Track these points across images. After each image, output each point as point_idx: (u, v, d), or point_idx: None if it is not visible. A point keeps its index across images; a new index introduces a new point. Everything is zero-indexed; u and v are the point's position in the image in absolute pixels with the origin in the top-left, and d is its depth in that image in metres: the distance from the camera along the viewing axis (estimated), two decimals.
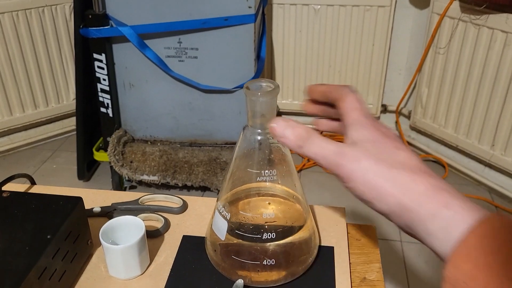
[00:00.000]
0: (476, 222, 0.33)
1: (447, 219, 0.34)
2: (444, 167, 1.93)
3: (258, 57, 1.71)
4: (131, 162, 1.72)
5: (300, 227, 0.62)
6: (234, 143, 1.87)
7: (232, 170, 0.60)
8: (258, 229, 0.59)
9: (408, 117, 2.05)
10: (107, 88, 1.67)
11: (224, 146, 1.76)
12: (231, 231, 0.60)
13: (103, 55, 1.60)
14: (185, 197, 0.77)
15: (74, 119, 2.05)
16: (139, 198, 0.77)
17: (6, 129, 2.04)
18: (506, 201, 1.76)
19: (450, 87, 1.79)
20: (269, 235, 0.59)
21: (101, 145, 1.85)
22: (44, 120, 2.14)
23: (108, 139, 1.71)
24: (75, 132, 1.98)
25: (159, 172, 1.71)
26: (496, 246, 0.31)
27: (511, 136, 1.65)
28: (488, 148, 1.73)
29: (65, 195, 0.63)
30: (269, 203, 0.60)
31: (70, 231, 0.60)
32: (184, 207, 0.75)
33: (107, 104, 1.70)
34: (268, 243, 0.59)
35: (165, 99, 1.71)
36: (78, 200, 0.62)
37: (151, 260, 0.66)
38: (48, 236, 0.56)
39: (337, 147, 0.40)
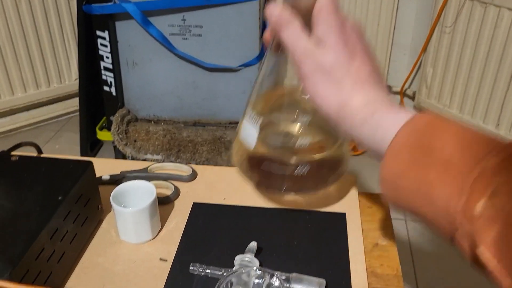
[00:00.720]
0: (403, 124, 0.37)
1: (375, 124, 0.40)
2: None
3: (263, 35, 1.69)
4: (135, 141, 1.71)
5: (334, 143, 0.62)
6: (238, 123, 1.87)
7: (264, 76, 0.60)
8: (290, 137, 0.60)
9: (412, 98, 2.03)
10: (110, 66, 1.65)
11: (228, 126, 1.75)
12: (261, 139, 0.59)
13: (106, 32, 1.58)
14: (194, 166, 0.77)
15: (76, 100, 2.04)
16: (148, 166, 0.76)
17: (8, 109, 2.03)
18: None
19: (456, 66, 1.78)
20: (301, 144, 0.59)
21: (104, 124, 1.84)
22: (46, 100, 2.12)
23: (112, 118, 1.70)
24: (77, 113, 1.97)
25: (163, 151, 1.70)
26: (421, 143, 0.35)
27: None
28: (493, 128, 1.72)
29: (75, 159, 0.62)
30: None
31: (81, 194, 0.59)
32: (193, 175, 0.75)
33: (110, 82, 1.68)
34: (300, 154, 0.59)
35: (169, 77, 1.69)
36: (88, 164, 0.61)
37: (162, 226, 0.65)
38: (59, 198, 0.55)
39: (307, 44, 0.44)
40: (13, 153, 0.66)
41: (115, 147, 1.74)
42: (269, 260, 0.59)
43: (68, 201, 0.56)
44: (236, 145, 0.64)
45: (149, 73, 1.69)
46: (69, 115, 2.24)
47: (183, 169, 0.76)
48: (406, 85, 2.05)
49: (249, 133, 0.60)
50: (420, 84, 1.95)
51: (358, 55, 0.44)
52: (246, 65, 1.64)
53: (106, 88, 1.70)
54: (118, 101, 1.72)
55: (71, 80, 2.14)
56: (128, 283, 0.56)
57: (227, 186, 0.73)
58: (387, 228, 0.67)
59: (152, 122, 1.77)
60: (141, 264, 0.59)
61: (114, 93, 1.70)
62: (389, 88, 2.08)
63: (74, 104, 2.18)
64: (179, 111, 1.76)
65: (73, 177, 0.58)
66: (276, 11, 0.46)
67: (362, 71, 0.43)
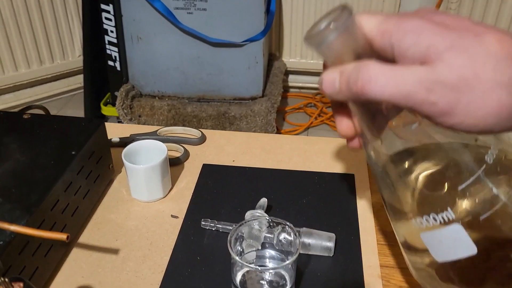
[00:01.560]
0: None
1: None
2: None
3: (268, 10, 1.68)
4: (139, 116, 1.71)
5: None
6: (243, 99, 1.87)
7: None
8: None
9: None
10: (115, 41, 1.64)
11: (233, 102, 1.75)
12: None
13: (111, 6, 1.57)
14: (203, 130, 0.77)
15: (80, 77, 2.03)
16: (158, 129, 0.77)
17: (11, 85, 2.03)
18: None
19: None
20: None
21: (108, 100, 1.84)
22: (50, 77, 2.12)
23: (116, 93, 1.70)
24: (81, 90, 1.97)
25: (167, 126, 1.70)
26: None
27: None
28: None
29: (87, 117, 0.63)
30: None
31: (93, 151, 0.60)
32: (202, 138, 0.75)
33: (115, 57, 1.68)
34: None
35: (173, 53, 1.69)
36: (100, 122, 0.62)
37: (172, 186, 0.66)
38: (73, 152, 0.56)
39: (413, 74, 0.30)
40: None
41: (119, 122, 1.75)
42: (279, 217, 0.59)
43: (81, 157, 0.56)
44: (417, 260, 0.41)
45: (154, 48, 1.68)
46: (73, 92, 2.24)
47: (193, 133, 0.76)
48: None
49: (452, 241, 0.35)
50: None
51: (480, 30, 0.30)
52: (251, 40, 1.64)
53: (110, 62, 1.70)
54: (122, 76, 1.72)
55: (74, 56, 2.13)
56: (140, 238, 0.57)
57: (235, 149, 0.74)
58: None
59: (157, 98, 1.78)
60: (153, 220, 0.60)
61: (118, 68, 1.70)
62: None
63: (78, 81, 2.18)
64: (184, 87, 1.76)
65: (85, 134, 0.59)
66: (335, 74, 0.33)
67: (506, 41, 0.29)
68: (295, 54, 2.10)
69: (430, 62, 0.29)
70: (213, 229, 0.58)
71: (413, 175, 0.37)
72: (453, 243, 0.34)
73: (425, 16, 0.31)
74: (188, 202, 0.63)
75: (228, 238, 0.45)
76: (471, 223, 0.33)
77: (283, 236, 0.50)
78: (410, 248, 0.40)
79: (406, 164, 0.37)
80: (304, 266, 0.53)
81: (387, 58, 0.32)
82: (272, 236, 0.51)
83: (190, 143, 0.74)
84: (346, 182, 0.66)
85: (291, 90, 2.20)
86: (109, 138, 0.73)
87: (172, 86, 1.76)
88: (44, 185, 0.50)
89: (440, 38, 0.29)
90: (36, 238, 0.47)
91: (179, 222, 0.60)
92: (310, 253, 0.54)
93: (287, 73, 2.16)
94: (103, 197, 0.64)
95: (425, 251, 0.37)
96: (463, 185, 0.34)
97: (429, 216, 0.35)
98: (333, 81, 0.34)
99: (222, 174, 0.68)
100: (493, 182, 0.33)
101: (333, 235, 0.55)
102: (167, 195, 0.64)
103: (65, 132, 0.59)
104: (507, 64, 0.28)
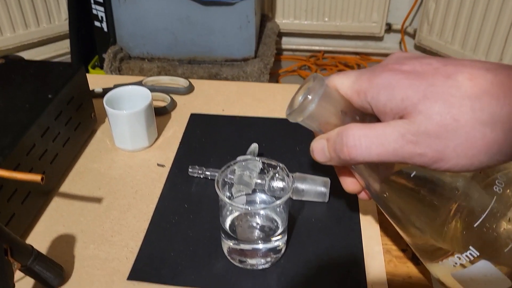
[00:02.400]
0: None
1: None
2: None
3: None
4: None
5: None
6: (235, 60, 1.82)
7: None
8: None
9: (413, 36, 1.98)
10: (101, 0, 1.58)
11: (224, 63, 1.70)
12: None
13: None
14: (191, 80, 0.73)
15: (67, 41, 1.97)
16: (142, 79, 0.73)
17: None
18: None
19: (459, 0, 1.71)
20: None
21: (96, 63, 1.79)
22: (36, 41, 2.05)
23: (104, 55, 1.65)
24: (68, 55, 1.90)
25: None
26: None
27: None
28: None
29: (65, 62, 0.59)
30: None
31: (72, 97, 0.56)
32: (190, 88, 0.71)
33: (101, 17, 1.62)
34: None
35: (162, 13, 1.62)
36: (79, 66, 0.58)
37: (159, 135, 0.62)
38: (49, 96, 0.52)
39: (395, 130, 0.29)
40: None
41: None
42: None
43: (58, 100, 0.53)
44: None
45: (141, 8, 1.61)
46: (60, 58, 2.17)
47: (180, 82, 0.73)
48: (407, 23, 1.99)
49: (483, 277, 0.34)
50: (421, 21, 1.89)
51: (443, 79, 0.29)
52: None
53: (97, 23, 1.63)
54: (110, 37, 1.66)
55: (60, 20, 2.06)
56: (124, 187, 0.54)
57: (225, 98, 0.70)
58: None
59: (146, 60, 1.72)
60: (138, 169, 0.57)
61: (105, 29, 1.64)
62: (389, 26, 2.02)
63: (65, 46, 2.11)
64: (174, 48, 1.70)
65: (63, 78, 0.55)
66: (323, 141, 0.34)
67: (478, 79, 0.29)
68: (289, 15, 2.03)
69: (408, 115, 0.29)
70: (201, 176, 0.55)
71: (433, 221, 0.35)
72: (485, 278, 0.33)
73: (395, 67, 0.31)
74: (175, 151, 0.60)
75: (216, 179, 0.42)
76: (496, 257, 0.33)
77: (275, 181, 0.47)
78: (446, 286, 0.39)
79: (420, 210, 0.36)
80: (297, 212, 0.51)
81: (369, 112, 0.33)
82: (263, 182, 0.48)
83: (177, 93, 0.70)
84: None
85: (285, 53, 2.14)
86: (92, 88, 0.69)
87: (162, 48, 1.70)
88: (19, 128, 0.47)
89: (412, 90, 0.29)
90: (11, 182, 0.44)
91: (165, 171, 0.57)
92: (304, 199, 0.52)
93: (280, 35, 2.10)
94: (86, 147, 0.61)
95: None
96: (478, 222, 0.32)
97: (454, 257, 0.34)
98: (322, 149, 0.34)
99: (210, 123, 0.65)
100: (506, 210, 0.32)
101: (328, 179, 0.52)
102: (152, 144, 0.61)
103: (42, 76, 0.55)
104: (483, 101, 0.28)
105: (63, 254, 0.46)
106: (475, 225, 0.32)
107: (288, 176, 0.44)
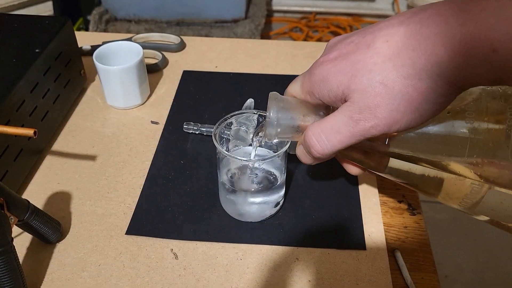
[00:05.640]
0: None
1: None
2: None
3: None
4: None
5: None
6: (224, 21, 1.78)
7: None
8: None
9: None
10: None
11: (214, 25, 1.66)
12: None
13: None
14: (182, 37, 0.71)
15: (49, 4, 1.90)
16: (132, 36, 0.70)
17: None
18: None
19: None
20: None
21: (81, 26, 1.73)
22: (17, 3, 1.98)
23: (89, 17, 1.60)
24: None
25: None
26: None
27: None
28: None
29: (52, 16, 0.56)
30: None
31: (60, 52, 0.54)
32: (182, 45, 0.70)
33: None
34: None
35: None
36: (66, 20, 0.56)
37: (151, 93, 0.61)
38: (37, 50, 0.50)
39: (343, 113, 0.31)
40: None
41: None
42: None
43: (46, 55, 0.51)
44: None
45: None
46: None
47: (171, 39, 0.71)
48: None
49: None
50: None
51: (363, 51, 0.30)
52: None
53: None
54: None
55: None
56: (118, 144, 0.53)
57: (218, 55, 0.68)
58: None
59: (133, 22, 1.67)
60: (132, 127, 0.56)
61: None
62: None
63: (47, 8, 2.04)
64: (161, 10, 1.66)
65: (50, 32, 0.53)
66: (301, 147, 0.35)
67: (388, 49, 0.29)
68: None
69: (347, 97, 0.31)
70: (197, 132, 0.54)
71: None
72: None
73: (324, 59, 0.33)
74: (169, 108, 0.59)
75: (213, 132, 0.41)
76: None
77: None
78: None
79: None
80: (295, 167, 0.51)
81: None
82: (261, 137, 0.47)
83: (169, 50, 0.69)
84: None
85: (276, 14, 2.10)
86: (80, 46, 0.67)
87: (149, 9, 1.65)
88: (6, 83, 0.45)
89: (342, 74, 0.31)
90: (2, 137, 0.43)
91: (159, 128, 0.56)
92: None
93: (271, 14, 2.05)
94: (76, 106, 0.59)
95: None
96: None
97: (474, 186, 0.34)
98: (303, 154, 0.36)
99: (204, 80, 0.63)
100: None
101: None
102: (145, 102, 0.60)
103: (28, 30, 0.53)
104: (402, 57, 0.28)
105: (59, 211, 0.46)
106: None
107: None
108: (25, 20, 0.55)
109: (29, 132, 0.39)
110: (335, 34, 1.98)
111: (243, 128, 0.48)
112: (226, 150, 0.46)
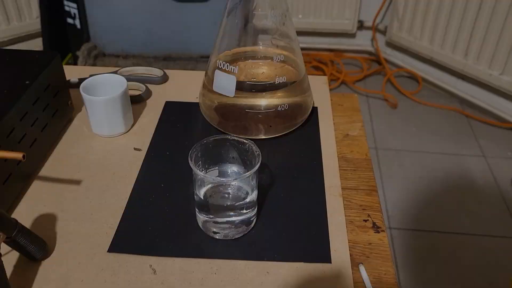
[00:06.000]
0: None
1: None
2: (418, 81, 1.96)
3: None
4: None
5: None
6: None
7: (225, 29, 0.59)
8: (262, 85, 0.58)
9: (384, 32, 2.04)
10: None
11: (200, 60, 1.72)
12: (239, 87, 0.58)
13: None
14: (165, 70, 0.76)
15: (39, 40, 1.95)
16: (118, 69, 0.75)
17: None
18: (477, 110, 1.81)
19: None
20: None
21: (70, 61, 1.78)
22: (7, 40, 2.03)
23: (78, 53, 1.65)
24: None
25: None
26: None
27: (483, 44, 1.67)
28: (462, 58, 1.76)
29: (40, 50, 0.60)
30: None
31: (49, 84, 0.58)
32: (165, 77, 0.74)
33: (74, 14, 1.62)
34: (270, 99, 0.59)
35: (136, 9, 1.63)
36: (55, 54, 0.60)
37: (134, 122, 0.65)
38: (27, 82, 0.54)
39: None
40: None
41: None
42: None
43: (36, 86, 0.55)
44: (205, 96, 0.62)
45: (115, 3, 1.62)
46: None
47: (154, 72, 0.75)
48: (378, 20, 2.05)
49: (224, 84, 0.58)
50: (391, 18, 1.95)
51: None
52: None
53: (70, 20, 1.63)
54: (83, 34, 1.66)
55: (32, 17, 2.04)
56: (102, 169, 0.57)
57: (199, 87, 0.73)
58: (357, 121, 0.69)
59: (121, 57, 1.73)
60: (115, 153, 0.59)
61: (78, 26, 1.64)
62: (361, 23, 2.08)
63: (37, 44, 2.10)
64: (149, 45, 1.72)
65: (39, 65, 0.57)
66: None
67: None
68: (297, 12, 2.06)
69: None
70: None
71: None
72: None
73: None
74: (151, 136, 0.62)
75: (189, 154, 0.45)
76: None
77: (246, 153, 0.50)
78: None
79: None
80: (267, 188, 0.54)
81: None
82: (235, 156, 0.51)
83: (152, 82, 0.73)
84: (310, 114, 0.67)
85: None
86: (68, 78, 0.71)
87: (137, 45, 1.72)
88: None
89: None
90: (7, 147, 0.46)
91: (142, 155, 0.59)
92: None
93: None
94: (63, 134, 0.62)
95: None
96: None
97: None
98: None
99: (185, 111, 0.67)
100: None
101: None
102: (129, 130, 0.63)
103: (18, 63, 0.57)
104: None
105: (45, 230, 0.48)
106: None
107: (256, 152, 0.47)
108: (16, 55, 0.59)
109: (18, 155, 0.42)
110: (317, 68, 2.06)
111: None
112: (202, 169, 0.49)
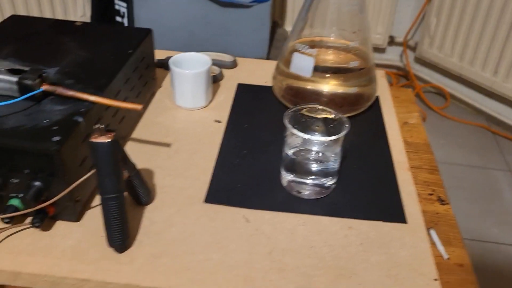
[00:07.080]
0: None
1: None
2: (445, 97, 2.01)
3: None
4: None
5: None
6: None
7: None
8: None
9: (413, 49, 2.10)
10: None
11: None
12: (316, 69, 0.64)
13: None
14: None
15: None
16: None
17: None
18: (503, 128, 1.85)
19: (459, 15, 1.84)
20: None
21: None
22: None
23: None
24: None
25: None
26: None
27: None
28: (491, 75, 1.80)
29: (136, 27, 0.67)
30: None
31: (143, 56, 0.64)
32: (234, 63, 0.80)
33: (123, 13, 1.70)
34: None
35: (181, 11, 1.71)
36: (148, 30, 0.66)
37: (211, 99, 0.70)
38: (130, 51, 0.60)
39: None
40: None
41: None
42: None
43: (136, 56, 0.60)
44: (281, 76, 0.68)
45: (161, 5, 1.70)
46: None
47: (225, 58, 0.81)
48: (409, 36, 2.11)
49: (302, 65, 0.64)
50: (422, 34, 2.01)
51: None
52: (259, 1, 1.67)
53: (118, 18, 1.71)
54: None
55: (76, 16, 2.13)
56: (189, 135, 0.62)
57: (267, 73, 0.79)
58: (413, 112, 0.73)
59: None
60: (198, 123, 0.65)
61: (125, 24, 1.72)
62: (392, 38, 2.14)
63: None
64: (190, 47, 1.78)
65: (137, 38, 0.63)
66: None
67: None
68: None
69: None
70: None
71: None
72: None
73: None
74: (228, 111, 0.68)
75: (285, 114, 0.50)
76: None
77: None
78: None
79: None
80: (342, 160, 0.59)
81: None
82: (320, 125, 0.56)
83: (224, 66, 0.79)
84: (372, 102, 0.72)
85: None
86: None
87: (179, 46, 1.79)
88: (109, 72, 0.54)
89: None
90: (110, 110, 0.52)
91: (222, 126, 0.65)
92: None
93: None
94: (148, 105, 0.68)
95: None
96: None
97: None
98: None
99: (257, 92, 0.73)
100: None
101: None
102: (208, 105, 0.69)
103: (117, 36, 0.63)
104: None
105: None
106: None
107: (343, 118, 0.52)
108: (112, 29, 0.65)
109: (138, 106, 0.48)
110: None
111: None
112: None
